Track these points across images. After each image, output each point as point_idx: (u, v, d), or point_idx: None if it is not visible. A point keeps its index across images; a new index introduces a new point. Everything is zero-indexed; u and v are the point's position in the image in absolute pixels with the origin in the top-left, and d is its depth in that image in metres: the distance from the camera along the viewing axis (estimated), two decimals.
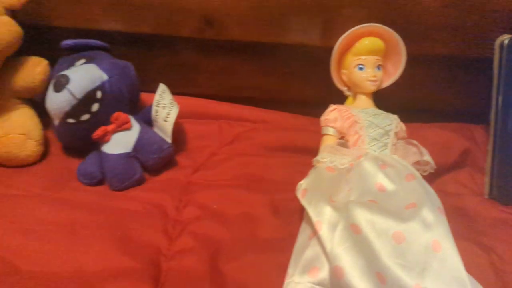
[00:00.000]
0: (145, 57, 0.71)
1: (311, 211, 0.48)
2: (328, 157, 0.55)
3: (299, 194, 0.51)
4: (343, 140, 0.60)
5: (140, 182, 0.60)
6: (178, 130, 0.64)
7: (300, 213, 0.55)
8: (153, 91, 0.68)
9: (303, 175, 0.56)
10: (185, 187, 0.60)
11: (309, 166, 0.60)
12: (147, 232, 0.52)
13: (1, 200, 0.54)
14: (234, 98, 0.74)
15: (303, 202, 0.50)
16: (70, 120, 0.58)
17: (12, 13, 0.60)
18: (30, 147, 0.60)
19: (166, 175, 0.62)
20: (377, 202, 0.48)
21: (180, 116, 0.62)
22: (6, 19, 0.58)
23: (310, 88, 0.75)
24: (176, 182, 0.61)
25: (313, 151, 0.63)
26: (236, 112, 0.72)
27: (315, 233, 0.48)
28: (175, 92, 0.64)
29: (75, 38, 0.65)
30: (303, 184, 0.52)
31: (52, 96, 0.57)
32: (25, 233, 0.50)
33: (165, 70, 0.73)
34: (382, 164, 0.53)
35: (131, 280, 0.46)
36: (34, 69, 0.62)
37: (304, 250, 0.48)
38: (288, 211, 0.56)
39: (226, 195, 0.58)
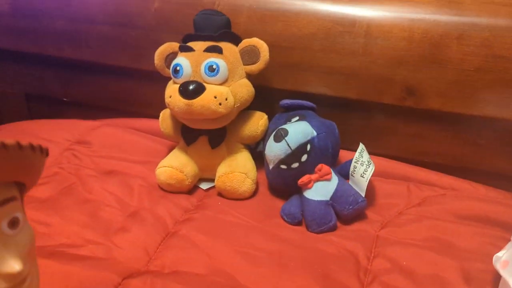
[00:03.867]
0: (345, 118, 0.80)
1: None
2: None
3: (498, 265, 0.52)
4: None
5: (334, 228, 0.67)
6: (369, 186, 0.70)
7: (494, 285, 0.55)
8: (349, 148, 0.76)
9: (496, 248, 0.56)
10: (374, 239, 0.65)
11: (502, 239, 0.60)
12: (343, 275, 0.58)
13: (226, 225, 0.67)
14: (424, 163, 0.78)
15: (504, 273, 0.50)
16: (283, 166, 0.68)
17: (249, 76, 0.75)
18: (247, 184, 0.72)
19: (356, 226, 0.68)
20: None
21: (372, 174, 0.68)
22: (246, 81, 0.73)
23: (504, 161, 0.75)
24: (366, 233, 0.66)
25: (507, 225, 0.63)
26: (425, 176, 0.75)
27: None
28: (368, 151, 0.70)
29: (288, 98, 0.77)
30: (502, 256, 0.53)
31: (272, 144, 0.68)
32: (243, 255, 0.61)
33: (362, 130, 0.80)
34: None
35: None
36: (258, 121, 0.75)
37: None
38: (480, 281, 0.56)
39: (415, 254, 0.61)
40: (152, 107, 0.78)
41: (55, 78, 0.98)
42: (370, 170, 0.68)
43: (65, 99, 1.00)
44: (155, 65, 0.75)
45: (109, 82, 0.94)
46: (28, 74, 1.00)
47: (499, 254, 0.54)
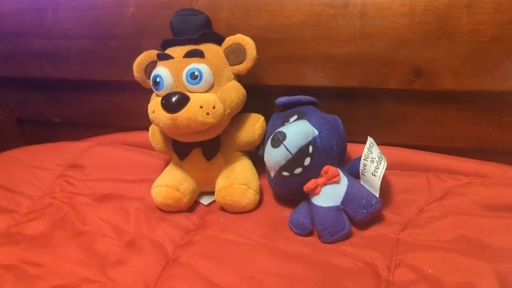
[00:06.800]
0: (349, 108, 0.74)
1: None
2: None
3: None
4: None
5: (348, 236, 0.61)
6: (383, 182, 0.63)
7: None
8: (356, 141, 0.70)
9: None
10: (394, 244, 0.59)
11: None
12: None
13: (229, 246, 0.61)
14: (443, 149, 0.71)
15: None
16: (285, 173, 0.62)
17: (238, 77, 0.68)
18: (249, 195, 0.66)
19: (373, 231, 0.62)
20: None
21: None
22: (235, 83, 0.66)
23: None
24: (384, 238, 0.60)
25: None
26: (446, 164, 0.68)
27: None
28: (379, 142, 0.64)
29: (284, 94, 0.71)
30: None
31: (270, 151, 0.62)
32: (249, 282, 0.55)
33: (369, 120, 0.74)
34: None
35: None
36: (254, 125, 0.69)
37: None
38: None
39: (442, 259, 0.55)
40: (144, 119, 0.73)
41: (43, 100, 0.94)
42: (382, 167, 0.61)
43: (56, 120, 0.95)
44: (135, 77, 0.69)
45: (96, 97, 0.89)
46: (16, 99, 0.96)
47: None
